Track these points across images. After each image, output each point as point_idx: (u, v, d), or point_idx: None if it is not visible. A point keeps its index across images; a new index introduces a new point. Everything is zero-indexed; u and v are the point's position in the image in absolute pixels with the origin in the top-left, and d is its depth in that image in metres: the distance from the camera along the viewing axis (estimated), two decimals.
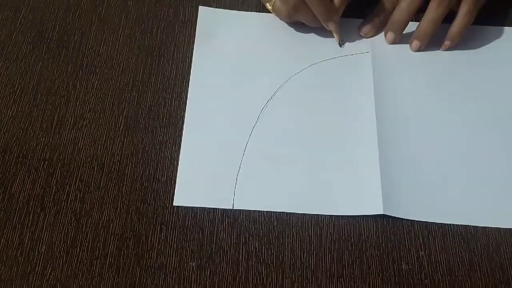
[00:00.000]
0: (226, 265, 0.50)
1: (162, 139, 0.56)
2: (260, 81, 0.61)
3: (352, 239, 0.52)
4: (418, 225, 0.53)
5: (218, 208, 0.53)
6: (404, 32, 0.64)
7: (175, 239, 0.51)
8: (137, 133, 0.57)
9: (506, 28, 0.66)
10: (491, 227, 0.53)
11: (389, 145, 0.56)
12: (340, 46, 0.64)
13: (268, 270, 0.50)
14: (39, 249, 0.50)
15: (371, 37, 0.65)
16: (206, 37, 0.64)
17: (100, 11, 0.66)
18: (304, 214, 0.53)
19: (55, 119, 0.57)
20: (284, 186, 0.54)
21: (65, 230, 0.51)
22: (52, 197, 0.52)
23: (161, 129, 0.57)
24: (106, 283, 0.48)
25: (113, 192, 0.53)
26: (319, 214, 0.53)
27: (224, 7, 0.66)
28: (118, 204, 0.52)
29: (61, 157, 0.55)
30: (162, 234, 0.51)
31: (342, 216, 0.53)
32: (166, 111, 0.58)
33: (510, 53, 0.64)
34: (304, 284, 0.49)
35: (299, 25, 0.64)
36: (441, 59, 0.63)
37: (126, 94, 0.59)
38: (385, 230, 0.52)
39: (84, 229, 0.51)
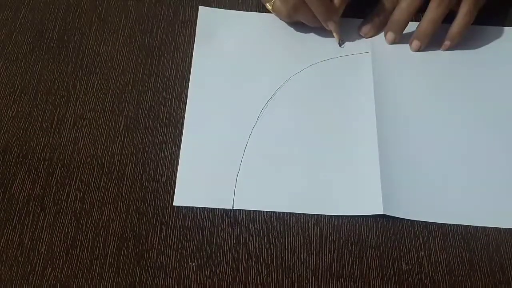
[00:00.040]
0: (226, 265, 0.50)
1: (162, 139, 0.56)
2: (260, 81, 0.61)
3: (352, 239, 0.52)
4: (418, 225, 0.53)
5: (218, 208, 0.53)
6: (404, 32, 0.64)
7: (175, 239, 0.51)
8: (137, 133, 0.57)
9: (506, 28, 0.66)
10: (491, 227, 0.53)
11: (389, 145, 0.56)
12: (340, 46, 0.64)
13: (268, 270, 0.50)
14: (39, 249, 0.50)
15: (371, 37, 0.65)
16: (206, 37, 0.64)
17: (100, 11, 0.66)
18: (304, 214, 0.53)
19: (55, 119, 0.57)
20: (284, 186, 0.54)
21: (65, 230, 0.51)
22: (52, 197, 0.52)
23: (161, 129, 0.57)
24: (106, 283, 0.48)
25: (113, 192, 0.53)
26: (319, 214, 0.53)
27: (224, 7, 0.66)
28: (118, 204, 0.52)
29: (61, 157, 0.55)
30: (162, 234, 0.51)
31: (342, 216, 0.53)
32: (166, 111, 0.58)
33: (510, 53, 0.64)
34: (304, 284, 0.49)
35: (299, 25, 0.64)
36: (441, 59, 0.63)
37: (126, 94, 0.59)
38: (385, 230, 0.52)
39: (84, 229, 0.51)
